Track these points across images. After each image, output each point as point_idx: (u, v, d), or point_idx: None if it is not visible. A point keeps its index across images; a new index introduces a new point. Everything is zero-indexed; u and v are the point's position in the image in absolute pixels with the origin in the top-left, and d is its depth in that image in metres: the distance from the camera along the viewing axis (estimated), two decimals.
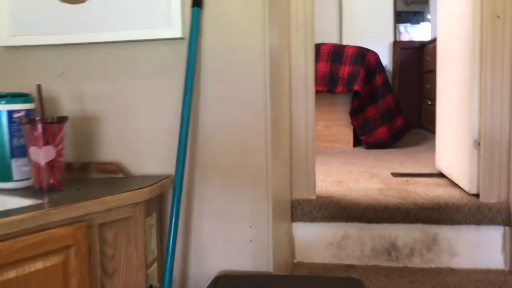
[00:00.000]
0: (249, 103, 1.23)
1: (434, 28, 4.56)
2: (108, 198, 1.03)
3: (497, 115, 1.61)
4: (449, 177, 2.05)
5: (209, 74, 1.23)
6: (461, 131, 1.84)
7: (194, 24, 1.18)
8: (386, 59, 4.91)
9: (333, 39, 4.90)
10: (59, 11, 1.25)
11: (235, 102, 1.23)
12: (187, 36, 1.21)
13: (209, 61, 1.23)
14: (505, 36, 1.57)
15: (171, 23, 1.20)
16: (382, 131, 3.25)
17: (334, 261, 1.71)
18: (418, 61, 4.68)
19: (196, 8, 1.18)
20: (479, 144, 1.68)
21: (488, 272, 1.59)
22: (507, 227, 1.61)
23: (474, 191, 1.72)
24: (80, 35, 1.24)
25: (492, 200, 1.64)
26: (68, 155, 1.30)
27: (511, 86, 1.59)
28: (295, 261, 1.72)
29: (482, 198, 1.65)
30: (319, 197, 1.75)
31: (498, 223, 1.60)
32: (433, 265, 1.65)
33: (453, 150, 1.97)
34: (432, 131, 3.79)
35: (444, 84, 2.15)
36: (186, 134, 1.20)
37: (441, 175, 2.18)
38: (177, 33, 1.20)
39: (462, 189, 1.84)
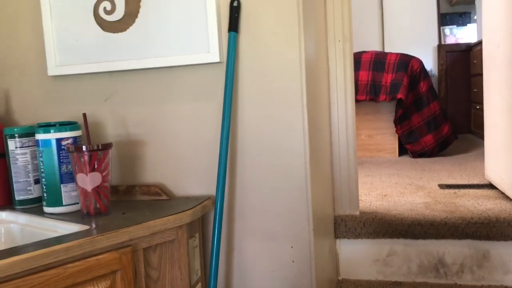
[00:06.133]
0: (287, 123, 1.23)
1: (481, 30, 4.41)
2: (151, 222, 1.06)
3: None
4: (499, 188, 1.97)
5: (247, 96, 1.25)
6: (511, 139, 1.76)
7: (231, 48, 1.20)
8: (430, 63, 4.79)
9: (375, 45, 4.83)
10: (103, 40, 1.30)
11: (273, 122, 1.24)
12: (224, 60, 1.23)
13: (246, 83, 1.24)
14: None
15: (209, 48, 1.22)
16: (428, 139, 3.17)
17: (380, 278, 1.68)
18: (464, 64, 4.54)
19: (232, 33, 1.20)
20: None
21: None
22: None
23: None
24: (123, 63, 1.29)
25: None
26: (114, 178, 1.35)
27: None
28: (339, 278, 1.70)
29: None
30: (363, 213, 1.73)
31: None
32: (485, 283, 1.59)
33: (503, 160, 1.89)
34: (481, 137, 3.66)
35: (491, 89, 2.07)
36: (225, 155, 1.21)
37: (491, 186, 2.10)
38: (215, 58, 1.22)
39: None
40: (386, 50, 4.70)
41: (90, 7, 1.29)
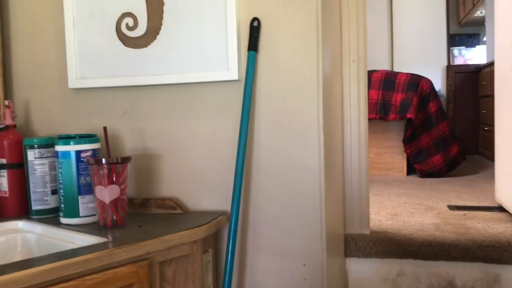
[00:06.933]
0: (303, 142, 1.24)
1: (490, 51, 4.44)
2: (168, 236, 1.07)
3: None
4: (510, 211, 1.97)
5: (264, 113, 1.26)
6: None
7: (250, 67, 1.22)
8: (439, 84, 4.81)
9: (384, 65, 4.85)
10: (124, 55, 1.32)
11: (289, 141, 1.25)
12: (243, 78, 1.25)
13: (264, 102, 1.26)
14: None
15: (228, 66, 1.24)
16: (436, 159, 3.17)
17: None
18: (473, 85, 4.55)
19: (252, 52, 1.22)
20: None
21: None
22: None
23: None
24: (143, 78, 1.31)
25: None
26: (130, 191, 1.35)
27: None
28: None
29: None
30: (373, 232, 1.73)
31: None
32: None
33: None
34: (490, 158, 3.66)
35: (503, 112, 2.08)
36: (241, 171, 1.23)
37: (501, 208, 2.09)
38: (234, 76, 1.24)
39: None
40: (395, 70, 4.72)
41: (112, 22, 1.32)
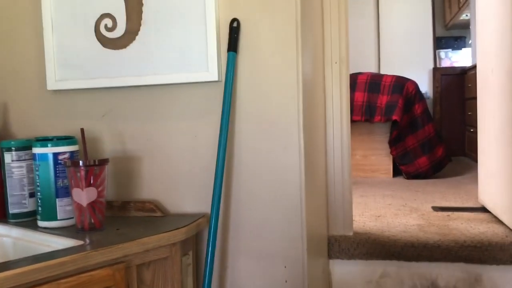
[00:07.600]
0: (284, 143, 1.24)
1: (475, 54, 4.47)
2: (145, 239, 1.06)
3: None
4: (492, 212, 1.98)
5: (244, 114, 1.26)
6: (505, 164, 1.78)
7: (229, 68, 1.21)
8: (426, 86, 4.84)
9: (371, 67, 4.88)
10: (103, 56, 1.31)
11: (269, 141, 1.25)
12: (223, 79, 1.25)
13: (244, 102, 1.26)
14: None
15: (208, 67, 1.24)
16: (422, 161, 3.19)
17: None
18: (459, 87, 4.59)
19: (232, 53, 1.22)
20: None
21: None
22: None
23: None
24: (122, 79, 1.30)
25: None
26: (109, 194, 1.34)
27: None
28: None
29: None
30: (356, 234, 1.73)
31: None
32: None
33: (496, 184, 1.90)
34: (475, 159, 3.67)
35: (485, 114, 2.10)
36: (221, 173, 1.22)
37: (484, 209, 2.11)
38: (214, 77, 1.23)
39: (506, 226, 1.78)
40: (382, 72, 4.75)
41: (91, 23, 1.31)
